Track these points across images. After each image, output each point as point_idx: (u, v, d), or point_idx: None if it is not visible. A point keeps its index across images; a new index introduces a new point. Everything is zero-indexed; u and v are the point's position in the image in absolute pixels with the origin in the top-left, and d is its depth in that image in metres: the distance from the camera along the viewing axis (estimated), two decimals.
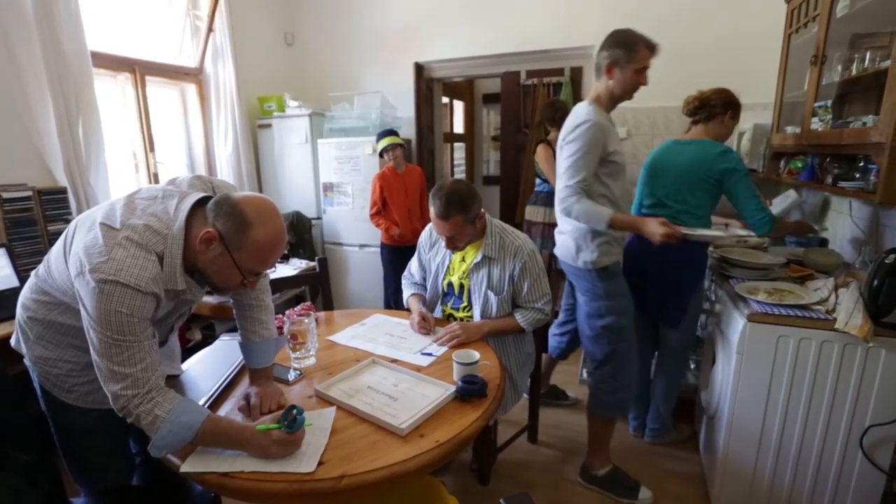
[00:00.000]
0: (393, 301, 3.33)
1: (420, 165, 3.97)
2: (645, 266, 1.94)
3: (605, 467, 1.93)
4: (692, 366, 2.46)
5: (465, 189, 1.63)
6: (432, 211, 1.63)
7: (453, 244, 1.69)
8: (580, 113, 1.69)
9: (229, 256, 1.02)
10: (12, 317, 1.24)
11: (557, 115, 2.93)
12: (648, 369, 2.21)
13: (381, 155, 3.15)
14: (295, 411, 1.04)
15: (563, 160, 1.69)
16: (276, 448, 1.01)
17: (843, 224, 2.13)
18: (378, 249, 3.39)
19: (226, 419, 1.09)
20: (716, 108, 1.90)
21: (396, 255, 3.22)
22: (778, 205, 2.34)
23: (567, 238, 1.81)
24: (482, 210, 1.71)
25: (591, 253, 1.74)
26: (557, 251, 1.89)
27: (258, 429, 1.02)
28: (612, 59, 1.66)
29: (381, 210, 3.18)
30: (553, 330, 2.32)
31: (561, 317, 2.39)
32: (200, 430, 1.01)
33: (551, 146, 2.98)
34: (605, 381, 1.85)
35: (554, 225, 3.00)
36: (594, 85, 1.79)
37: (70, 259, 1.01)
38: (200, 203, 1.06)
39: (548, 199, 3.03)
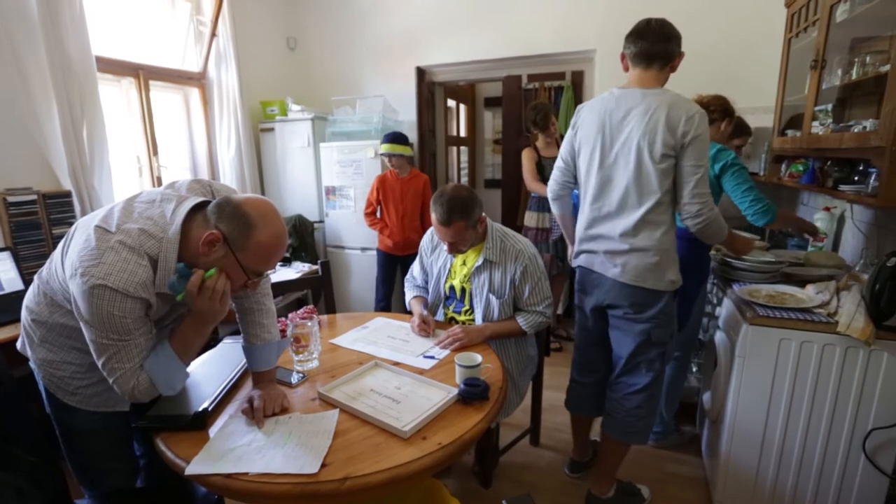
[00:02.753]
0: (382, 308, 3.34)
1: (422, 169, 3.99)
2: None
3: (611, 488, 1.84)
4: (694, 369, 2.46)
5: (467, 195, 1.64)
6: (434, 217, 1.63)
7: (455, 248, 1.70)
8: (683, 101, 1.48)
9: (233, 257, 1.04)
10: (18, 319, 1.25)
11: (539, 118, 2.95)
12: None
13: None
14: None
15: (690, 164, 1.47)
16: (202, 299, 1.03)
17: (844, 227, 2.14)
18: None
19: (178, 330, 1.13)
20: (714, 114, 1.93)
21: (386, 261, 3.22)
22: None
23: (649, 256, 1.55)
24: (483, 214, 1.71)
25: (676, 271, 1.57)
26: (627, 275, 1.58)
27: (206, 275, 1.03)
28: (680, 49, 1.55)
29: (376, 212, 3.17)
30: (582, 391, 1.91)
31: (587, 377, 1.88)
32: (174, 350, 1.10)
33: (536, 151, 3.00)
34: (641, 406, 1.69)
35: (547, 230, 3.03)
36: (650, 76, 1.56)
37: (66, 261, 1.03)
38: (199, 207, 1.07)
39: (541, 205, 3.05)
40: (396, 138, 3.04)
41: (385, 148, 3.02)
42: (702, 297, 2.00)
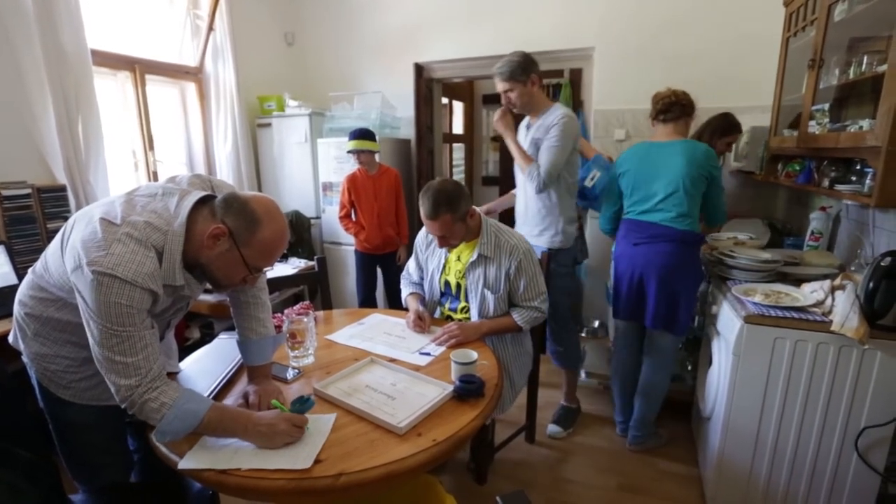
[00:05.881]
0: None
1: (419, 166, 3.98)
2: (646, 275, 1.94)
3: (572, 404, 2.42)
4: (689, 367, 2.47)
5: (453, 187, 1.63)
6: (421, 211, 1.64)
7: (446, 242, 1.70)
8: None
9: (237, 252, 1.06)
10: (11, 314, 1.24)
11: None
12: (638, 376, 2.18)
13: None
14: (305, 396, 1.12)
15: None
16: (285, 425, 1.04)
17: (839, 227, 2.14)
18: None
19: (230, 407, 1.11)
20: (686, 108, 1.95)
21: (365, 262, 3.15)
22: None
23: None
24: (473, 207, 1.71)
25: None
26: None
27: (272, 403, 1.09)
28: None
29: (350, 214, 3.08)
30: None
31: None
32: (206, 418, 1.03)
33: None
34: None
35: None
36: (525, 91, 2.08)
37: (67, 254, 1.02)
38: (201, 201, 1.08)
39: None
40: (364, 134, 2.89)
41: (353, 145, 2.88)
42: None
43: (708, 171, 1.87)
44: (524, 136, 2.26)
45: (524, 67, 2.02)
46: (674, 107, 1.94)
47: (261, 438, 1.04)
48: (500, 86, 2.09)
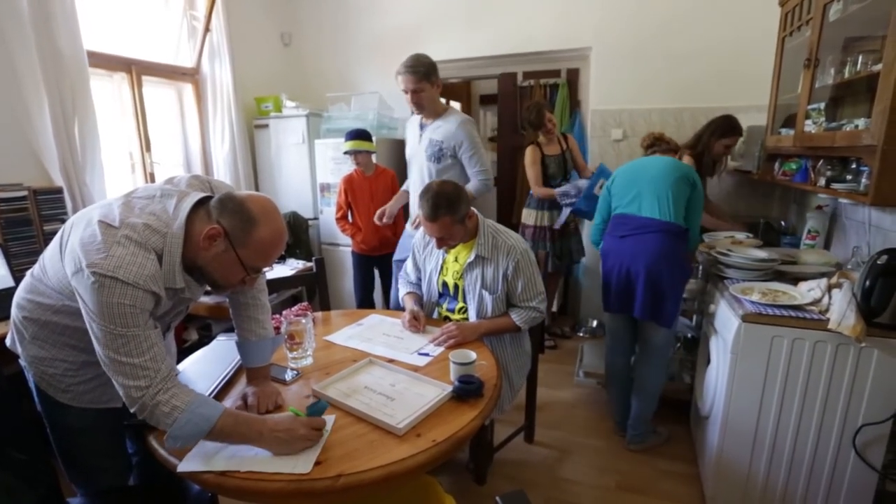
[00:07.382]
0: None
1: None
2: (633, 266, 1.96)
3: None
4: (687, 366, 2.47)
5: (452, 189, 1.63)
6: (421, 213, 1.63)
7: (444, 243, 1.70)
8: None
9: (233, 253, 1.04)
10: (7, 317, 1.23)
11: (533, 116, 2.96)
12: (633, 375, 2.19)
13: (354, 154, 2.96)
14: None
15: None
16: (304, 429, 1.03)
17: (836, 225, 2.15)
18: None
19: (242, 413, 1.10)
20: (670, 144, 2.22)
21: (362, 263, 3.13)
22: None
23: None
24: (472, 209, 1.71)
25: None
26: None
27: (290, 410, 1.08)
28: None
29: (347, 216, 3.08)
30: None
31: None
32: (219, 423, 1.00)
33: (540, 148, 2.99)
34: None
35: (546, 228, 3.04)
36: (432, 94, 2.19)
37: (66, 257, 1.01)
38: (199, 203, 1.07)
39: (540, 202, 3.05)
40: (360, 134, 2.88)
41: (349, 145, 2.88)
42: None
43: (691, 177, 1.98)
44: (418, 134, 2.39)
45: (434, 71, 2.15)
46: (659, 142, 2.21)
47: (279, 445, 1.02)
48: (411, 84, 2.12)
